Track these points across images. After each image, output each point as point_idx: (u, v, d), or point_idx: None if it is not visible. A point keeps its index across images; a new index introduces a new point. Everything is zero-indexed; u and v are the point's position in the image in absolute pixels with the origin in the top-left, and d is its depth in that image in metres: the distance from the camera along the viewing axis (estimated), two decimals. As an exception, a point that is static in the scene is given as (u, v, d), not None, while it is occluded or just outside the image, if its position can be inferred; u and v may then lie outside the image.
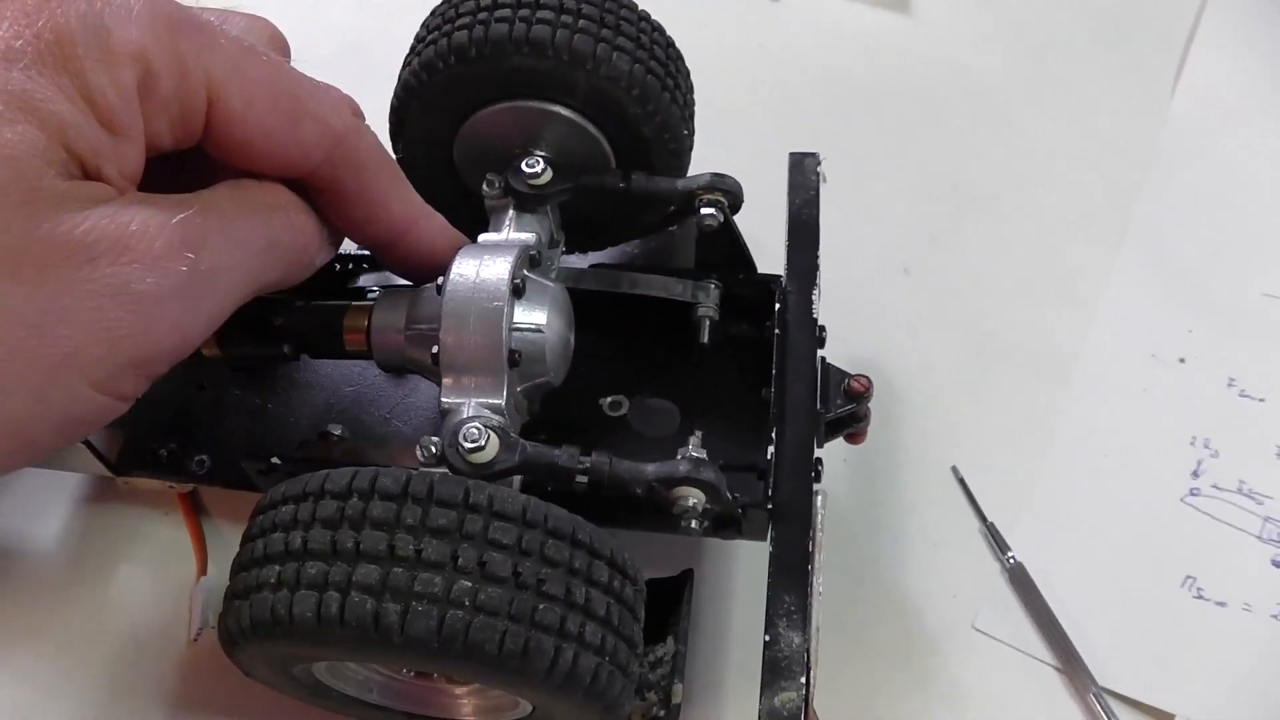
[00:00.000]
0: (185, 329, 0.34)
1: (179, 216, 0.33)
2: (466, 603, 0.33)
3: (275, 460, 0.47)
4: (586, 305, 0.48)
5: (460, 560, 0.33)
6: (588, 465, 0.40)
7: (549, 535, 0.35)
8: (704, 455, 0.41)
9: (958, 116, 0.70)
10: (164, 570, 0.53)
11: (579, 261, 0.55)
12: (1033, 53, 0.74)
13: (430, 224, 0.44)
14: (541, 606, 0.34)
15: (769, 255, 0.51)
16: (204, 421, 0.51)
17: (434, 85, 0.48)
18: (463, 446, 0.39)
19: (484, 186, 0.48)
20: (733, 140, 0.61)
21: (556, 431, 0.48)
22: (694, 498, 0.40)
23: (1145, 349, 0.59)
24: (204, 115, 0.35)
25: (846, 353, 0.56)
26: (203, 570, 0.52)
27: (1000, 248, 0.64)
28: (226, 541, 0.53)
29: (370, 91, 0.73)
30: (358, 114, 0.42)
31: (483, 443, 0.39)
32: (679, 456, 0.41)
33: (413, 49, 0.50)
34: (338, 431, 0.49)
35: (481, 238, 0.47)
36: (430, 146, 0.51)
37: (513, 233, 0.47)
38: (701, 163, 0.52)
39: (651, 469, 0.40)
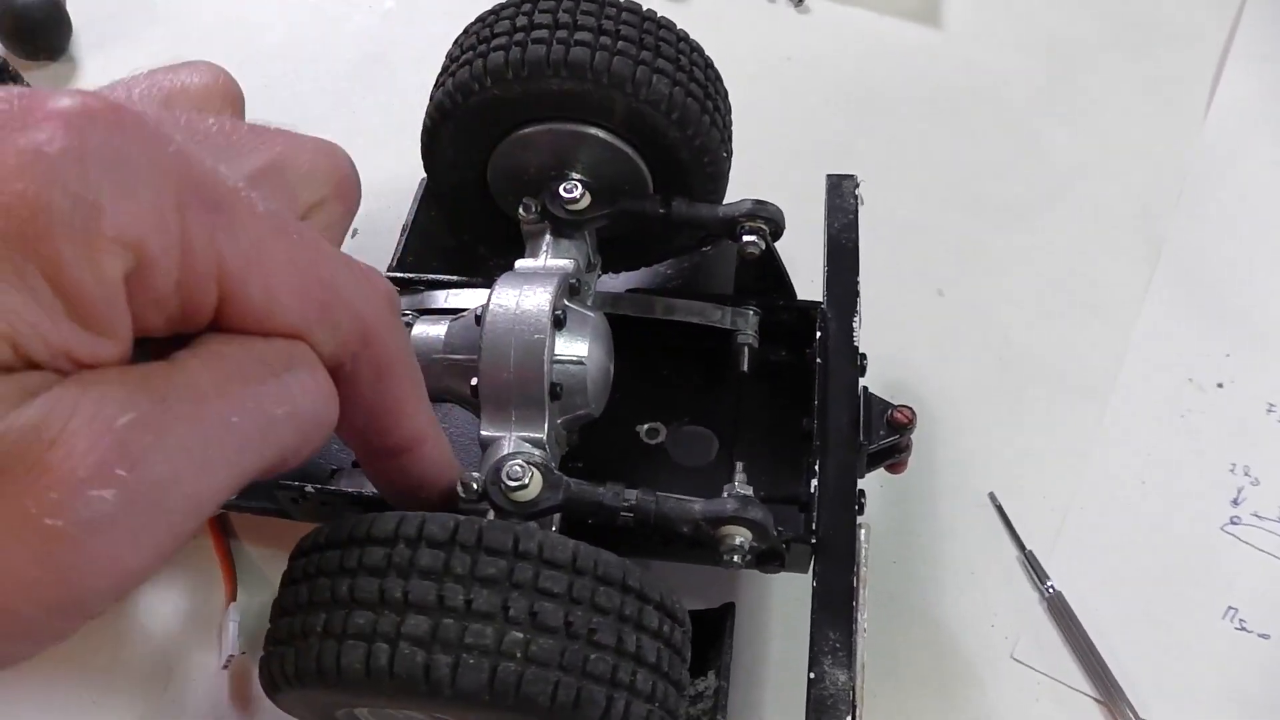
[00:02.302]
0: (121, 565, 0.25)
1: (126, 418, 0.25)
2: (518, 654, 0.32)
3: (308, 489, 0.46)
4: (623, 330, 0.47)
5: (511, 610, 0.32)
6: (632, 503, 0.39)
7: (599, 582, 0.34)
8: (750, 492, 0.40)
9: (988, 131, 0.70)
10: (193, 595, 0.52)
11: (612, 281, 0.54)
12: (1064, 67, 0.73)
13: (436, 449, 0.37)
14: (594, 656, 0.33)
15: (803, 274, 0.51)
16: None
17: (469, 107, 0.47)
18: (506, 485, 0.39)
19: (520, 210, 0.47)
20: (762, 156, 0.61)
21: (593, 459, 0.48)
22: (741, 536, 0.39)
23: (1182, 373, 0.58)
24: (213, 309, 0.28)
25: (882, 376, 0.55)
26: (232, 596, 0.51)
27: (1033, 266, 0.63)
28: (256, 566, 0.53)
29: (391, 102, 0.73)
30: (395, 308, 0.34)
31: (526, 481, 0.39)
32: (725, 494, 0.40)
33: (445, 69, 0.49)
34: (371, 459, 0.48)
35: (519, 264, 0.47)
36: (463, 168, 0.50)
37: (550, 258, 0.47)
38: (731, 177, 0.51)
39: (699, 507, 0.39)
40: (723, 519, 0.39)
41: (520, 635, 0.32)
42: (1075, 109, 0.71)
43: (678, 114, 0.46)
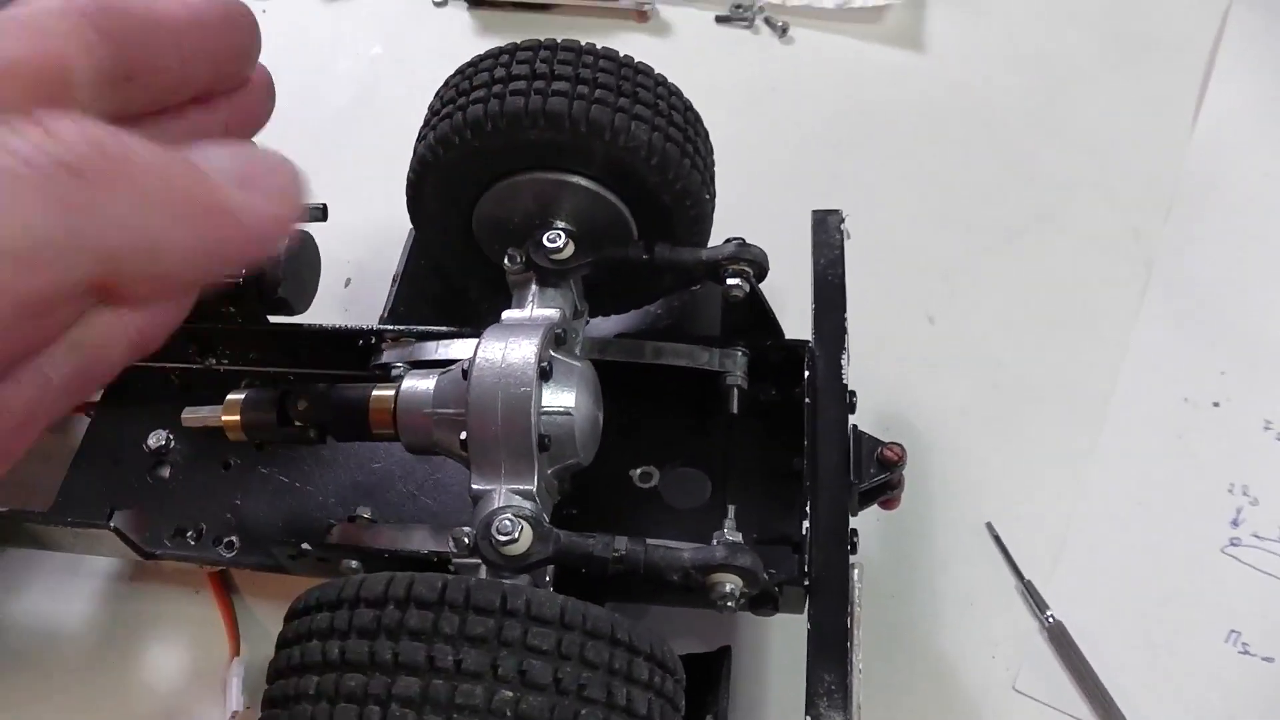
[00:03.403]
0: None
1: None
2: (508, 713, 0.32)
3: (305, 546, 0.46)
4: (613, 375, 0.48)
5: (500, 669, 0.33)
6: (622, 554, 0.39)
7: (588, 636, 0.34)
8: (740, 538, 0.41)
9: (976, 152, 0.70)
10: (196, 649, 0.53)
11: (602, 323, 0.54)
12: (1049, 85, 0.73)
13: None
14: (584, 711, 0.33)
15: (792, 306, 0.51)
16: (231, 502, 0.51)
17: (450, 159, 0.48)
18: (496, 539, 0.39)
19: (505, 261, 0.48)
20: (750, 189, 0.61)
21: (587, 505, 0.48)
22: (731, 583, 0.39)
23: (1178, 392, 0.58)
24: None
25: (874, 406, 0.56)
26: (236, 650, 0.52)
27: (1024, 289, 0.63)
28: (258, 621, 0.53)
29: (380, 147, 0.73)
30: None
31: (515, 535, 0.39)
32: (714, 541, 0.40)
33: (427, 121, 0.50)
34: (366, 514, 0.49)
35: (506, 315, 0.47)
36: (448, 218, 0.51)
37: (536, 308, 0.47)
38: (719, 210, 0.51)
39: (688, 555, 0.40)
40: (712, 566, 0.39)
41: (510, 694, 0.32)
42: (1062, 127, 0.71)
43: (657, 159, 0.46)
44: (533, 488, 0.41)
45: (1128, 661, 0.50)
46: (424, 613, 0.34)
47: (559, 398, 0.42)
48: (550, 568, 0.41)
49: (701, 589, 0.40)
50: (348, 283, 0.66)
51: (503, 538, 0.39)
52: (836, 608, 0.42)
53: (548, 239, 0.47)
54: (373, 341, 0.52)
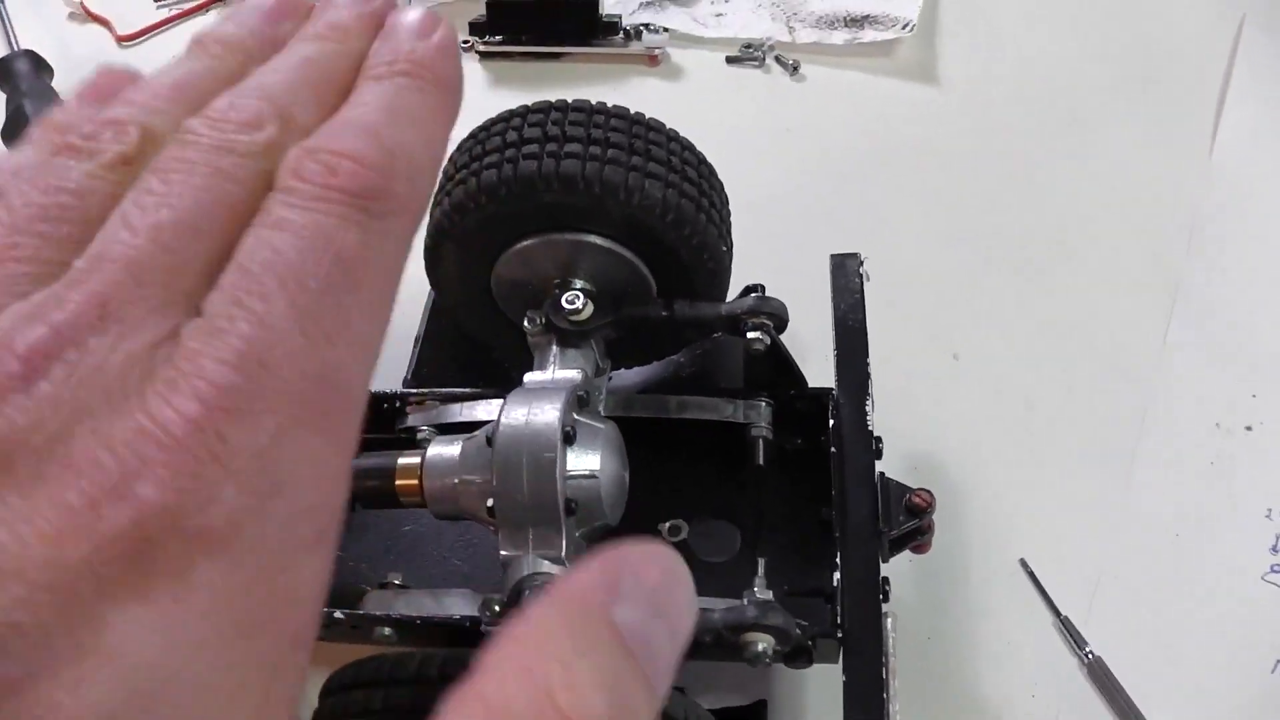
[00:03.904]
0: None
1: None
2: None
3: (337, 614, 0.46)
4: (638, 430, 0.47)
5: None
6: (653, 618, 0.39)
7: None
8: (770, 595, 0.40)
9: (994, 185, 0.70)
10: None
11: (625, 374, 0.54)
12: (1065, 116, 0.73)
13: None
14: None
15: (816, 352, 0.51)
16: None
17: (466, 225, 0.48)
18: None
19: (525, 324, 0.48)
20: (768, 233, 0.61)
21: None
22: (763, 642, 0.39)
23: (1209, 418, 0.58)
24: None
25: (902, 447, 0.55)
26: None
27: (1048, 322, 0.63)
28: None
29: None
30: None
31: (544, 604, 0.39)
32: (745, 600, 0.40)
33: (441, 187, 0.50)
34: (398, 579, 0.49)
35: (528, 378, 0.47)
36: (466, 281, 0.51)
37: (558, 370, 0.47)
38: (738, 255, 0.51)
39: (719, 615, 0.39)
40: (744, 626, 0.39)
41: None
42: (1078, 156, 0.70)
43: (673, 216, 0.46)
44: (560, 553, 0.41)
45: (1172, 697, 0.49)
46: None
47: (584, 461, 0.42)
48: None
49: (734, 649, 0.40)
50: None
51: (532, 606, 0.39)
52: (871, 659, 0.41)
53: (566, 300, 0.47)
54: (397, 405, 0.53)
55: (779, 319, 0.46)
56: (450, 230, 0.49)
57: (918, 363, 0.61)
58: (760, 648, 0.39)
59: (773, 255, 0.54)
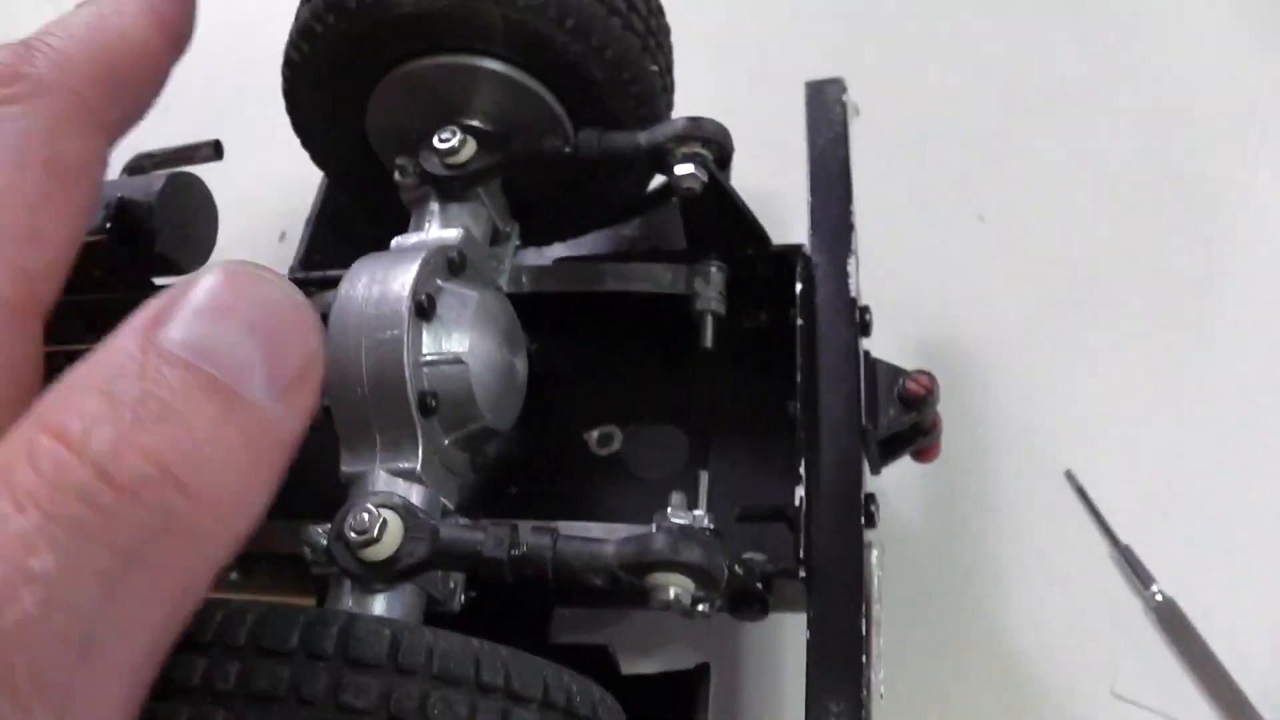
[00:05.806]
0: None
1: None
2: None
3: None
4: (556, 312, 0.39)
5: None
6: (523, 551, 0.28)
7: (513, 701, 0.24)
8: (689, 519, 0.29)
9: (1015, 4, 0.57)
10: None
11: (539, 258, 0.44)
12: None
13: None
14: None
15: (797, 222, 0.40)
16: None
17: (317, 54, 0.38)
18: (351, 539, 0.28)
19: (396, 175, 0.37)
20: (742, 71, 0.50)
21: (531, 481, 0.39)
22: (676, 586, 0.28)
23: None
24: None
25: (907, 332, 0.45)
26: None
27: (1093, 166, 0.51)
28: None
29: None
30: None
31: (375, 533, 0.28)
32: (654, 526, 0.29)
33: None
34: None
35: (395, 241, 0.36)
36: (336, 132, 0.41)
37: (437, 229, 0.36)
38: (695, 106, 0.40)
39: (612, 550, 0.28)
40: (646, 564, 0.28)
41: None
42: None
43: (572, 20, 0.35)
44: (415, 465, 0.30)
45: (1261, 651, 0.38)
46: (275, 665, 0.23)
47: (445, 341, 0.32)
48: (460, 578, 0.31)
49: (641, 594, 0.29)
50: (282, 236, 0.58)
51: (358, 537, 0.28)
52: (845, 606, 0.31)
53: (439, 139, 0.36)
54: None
55: (719, 146, 0.35)
56: (300, 65, 0.39)
57: (933, 227, 0.50)
58: (672, 594, 0.28)
59: (737, 99, 0.42)
